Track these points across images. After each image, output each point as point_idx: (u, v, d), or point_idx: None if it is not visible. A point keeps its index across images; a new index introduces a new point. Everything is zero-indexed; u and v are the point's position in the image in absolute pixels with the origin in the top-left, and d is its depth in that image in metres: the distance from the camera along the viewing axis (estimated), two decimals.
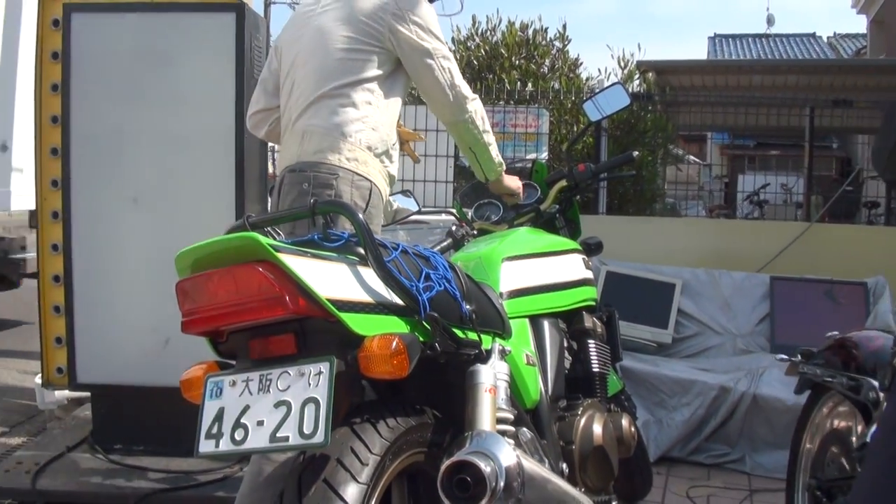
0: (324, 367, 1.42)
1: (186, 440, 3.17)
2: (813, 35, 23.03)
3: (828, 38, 23.05)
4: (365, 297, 1.54)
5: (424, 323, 1.61)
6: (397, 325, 1.58)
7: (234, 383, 1.50)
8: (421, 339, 1.58)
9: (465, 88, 2.58)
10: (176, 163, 3.29)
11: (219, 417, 1.48)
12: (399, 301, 1.60)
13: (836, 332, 2.50)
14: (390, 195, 2.85)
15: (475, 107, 2.60)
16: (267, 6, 20.61)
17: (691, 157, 10.87)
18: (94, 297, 3.35)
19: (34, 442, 3.79)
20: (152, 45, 3.26)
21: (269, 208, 3.20)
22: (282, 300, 1.41)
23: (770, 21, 24.77)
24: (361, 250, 1.59)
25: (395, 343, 1.46)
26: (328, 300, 1.44)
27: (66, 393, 3.93)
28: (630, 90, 7.61)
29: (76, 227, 3.35)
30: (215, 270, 1.47)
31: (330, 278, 1.48)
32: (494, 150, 2.71)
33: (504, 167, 2.77)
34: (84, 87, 3.32)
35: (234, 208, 3.22)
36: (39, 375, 3.89)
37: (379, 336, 1.48)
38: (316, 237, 1.61)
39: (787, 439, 3.78)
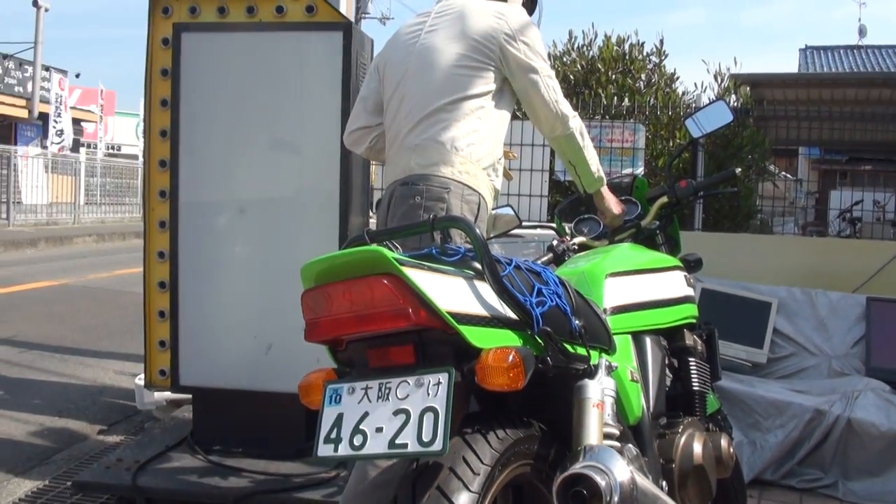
0: (442, 377, 1.47)
1: (284, 443, 3.31)
2: None
3: None
4: (481, 311, 1.58)
5: (537, 337, 1.65)
6: (512, 339, 1.61)
7: (352, 390, 1.56)
8: (534, 352, 1.61)
9: (566, 105, 2.66)
10: (281, 175, 3.39)
11: (338, 423, 1.53)
12: (513, 315, 1.63)
13: None
14: (493, 209, 2.91)
15: (576, 123, 2.67)
16: (357, 21, 21.02)
17: (783, 173, 10.64)
18: (198, 303, 3.47)
19: (134, 440, 3.93)
20: (260, 62, 3.36)
21: (373, 221, 3.28)
22: (405, 312, 1.46)
23: (862, 32, 24.14)
24: (477, 265, 1.63)
25: (511, 356, 1.50)
26: (448, 313, 1.48)
27: (165, 394, 4.07)
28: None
29: (183, 236, 3.48)
30: (342, 281, 1.53)
31: (449, 292, 1.53)
32: (595, 164, 2.76)
33: (604, 182, 2.80)
34: (193, 102, 3.45)
35: (337, 220, 3.30)
36: (140, 376, 4.05)
37: (496, 349, 1.52)
38: (434, 251, 1.65)
39: (880, 466, 3.70)
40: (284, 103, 3.36)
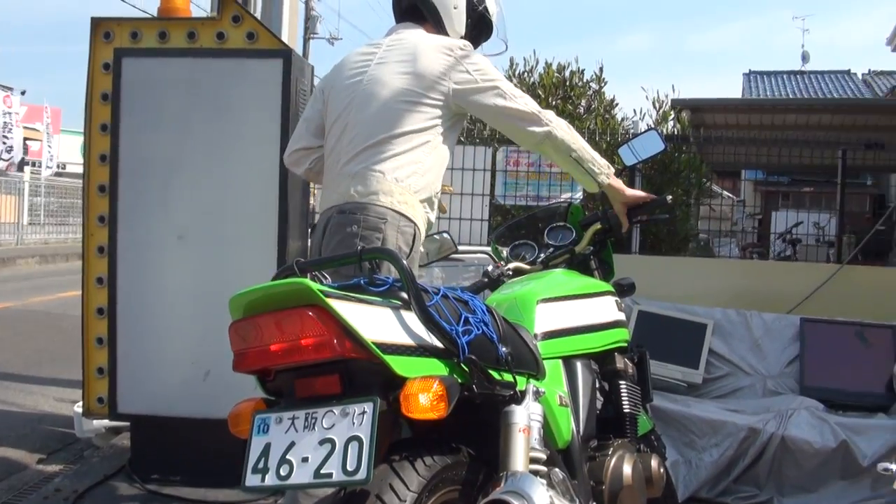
0: (367, 406, 1.50)
1: (222, 471, 3.29)
2: (848, 72, 22.99)
3: (862, 75, 22.98)
4: (407, 341, 1.61)
5: (463, 365, 1.68)
6: (437, 368, 1.65)
7: (280, 420, 1.58)
8: (459, 380, 1.65)
9: (536, 105, 2.70)
10: (220, 201, 3.41)
11: (265, 453, 1.55)
12: (439, 344, 1.67)
13: None
14: (430, 235, 2.94)
15: (551, 115, 2.70)
16: (306, 41, 20.99)
17: (725, 193, 10.85)
18: (136, 330, 3.46)
19: (72, 470, 3.87)
20: (201, 88, 3.38)
21: (309, 246, 3.30)
22: (330, 343, 1.49)
23: (805, 58, 24.75)
24: (405, 295, 1.67)
25: (435, 385, 1.54)
26: (373, 343, 1.52)
27: (105, 422, 4.01)
28: (664, 131, 7.67)
29: (121, 262, 3.47)
30: (268, 313, 1.56)
31: (374, 322, 1.57)
32: (595, 153, 2.75)
33: (612, 170, 2.80)
34: (132, 127, 3.45)
35: (276, 246, 3.32)
36: (79, 404, 3.99)
37: (420, 378, 1.56)
38: (362, 282, 1.69)
39: (815, 482, 3.79)
40: (224, 129, 3.38)
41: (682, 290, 5.02)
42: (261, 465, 1.55)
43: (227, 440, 3.16)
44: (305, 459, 1.50)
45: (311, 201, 3.94)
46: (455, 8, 2.82)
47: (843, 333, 4.42)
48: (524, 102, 2.66)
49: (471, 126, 7.47)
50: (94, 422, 4.03)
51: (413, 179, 2.59)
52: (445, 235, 3.17)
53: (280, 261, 3.30)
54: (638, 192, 2.82)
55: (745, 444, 3.91)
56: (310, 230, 3.63)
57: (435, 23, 2.81)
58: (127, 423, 3.84)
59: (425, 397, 1.53)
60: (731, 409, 4.21)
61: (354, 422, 1.50)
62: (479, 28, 2.93)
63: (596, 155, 2.74)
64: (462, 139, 6.38)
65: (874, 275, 5.44)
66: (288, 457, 1.52)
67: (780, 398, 4.24)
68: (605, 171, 2.74)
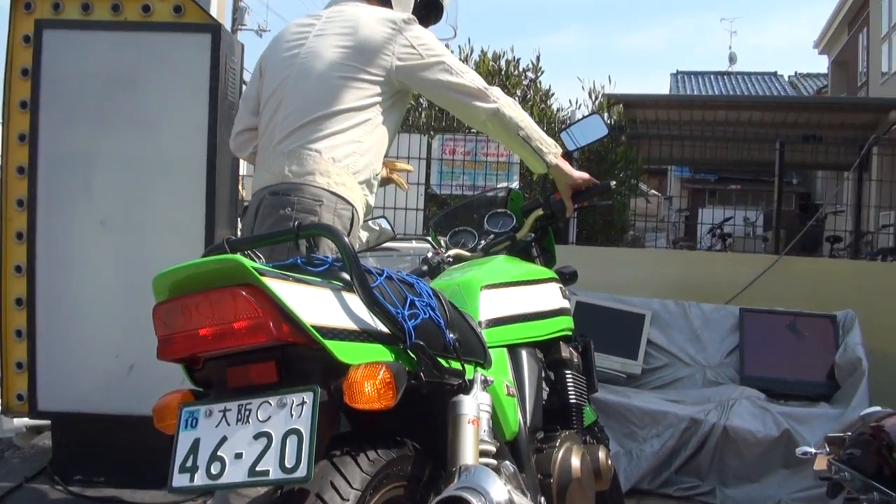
0: (307, 396, 1.37)
1: (149, 471, 3.13)
2: (774, 74, 23.53)
3: (789, 77, 23.56)
4: (350, 324, 1.49)
5: (409, 351, 1.57)
6: (382, 354, 1.53)
7: (210, 413, 1.44)
8: (406, 367, 1.53)
9: (483, 81, 2.57)
10: (145, 185, 3.24)
11: (194, 449, 1.41)
12: (384, 328, 1.55)
13: (876, 409, 2.26)
14: (367, 220, 2.82)
15: (498, 92, 2.58)
16: (234, 33, 20.58)
17: (652, 191, 10.98)
18: (57, 322, 3.27)
19: None
20: (125, 64, 3.22)
21: (239, 231, 3.14)
22: (265, 326, 1.35)
23: (732, 59, 25.25)
24: (346, 276, 1.54)
25: (382, 372, 1.41)
26: (313, 326, 1.39)
27: (25, 420, 3.81)
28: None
29: (41, 249, 3.27)
30: (195, 294, 1.41)
31: (314, 304, 1.43)
32: (541, 131, 2.65)
33: (560, 150, 2.70)
34: (54, 105, 3.27)
35: (203, 232, 3.18)
36: None
37: (365, 365, 1.43)
38: (299, 261, 1.56)
39: (757, 472, 3.80)
40: (150, 108, 3.23)
41: (620, 281, 5.03)
42: (189, 463, 1.41)
43: (155, 438, 3.03)
44: (239, 456, 1.36)
45: (241, 189, 3.78)
46: None
47: (782, 323, 4.46)
48: (470, 78, 2.54)
49: (406, 114, 7.36)
50: (14, 420, 3.83)
51: (352, 160, 2.45)
52: (383, 221, 3.06)
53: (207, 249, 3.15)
54: (584, 174, 2.74)
55: (687, 434, 3.90)
56: (240, 214, 3.48)
57: (382, 1, 2.68)
58: (48, 422, 3.63)
59: (371, 385, 1.40)
60: (672, 399, 4.20)
61: (293, 413, 1.36)
62: (427, 10, 2.81)
63: (543, 134, 2.64)
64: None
65: (811, 265, 5.53)
66: (219, 453, 1.38)
67: (721, 388, 4.25)
68: (552, 150, 2.64)
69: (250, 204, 2.55)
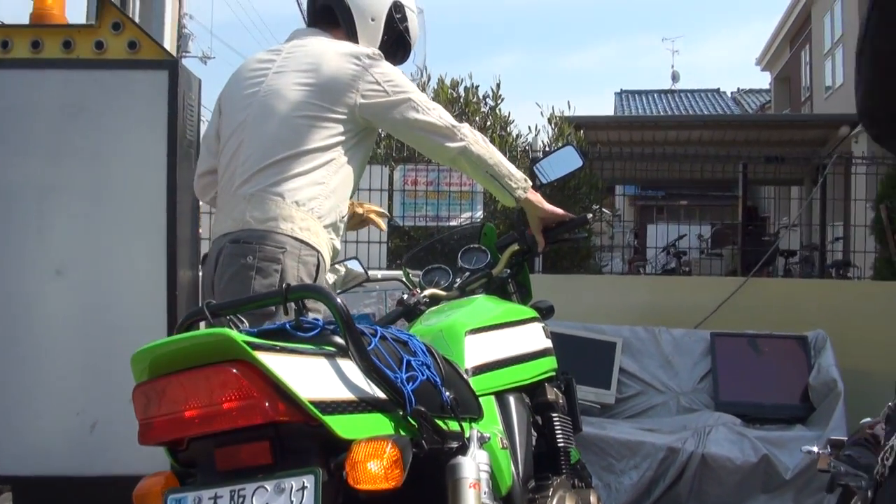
0: (308, 480, 1.25)
1: None
2: (717, 91, 23.96)
3: (732, 93, 24.03)
4: (348, 395, 1.38)
5: (410, 418, 1.46)
6: (383, 424, 1.42)
7: (199, 501, 1.32)
8: (409, 437, 1.43)
9: (451, 118, 2.52)
10: (102, 230, 3.08)
11: None
12: (381, 395, 1.44)
13: (868, 419, 2.34)
14: (343, 259, 2.73)
15: (467, 130, 2.51)
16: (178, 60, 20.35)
17: (606, 211, 11.08)
18: (12, 378, 3.07)
19: None
20: (78, 103, 3.07)
21: (200, 279, 3.00)
22: (260, 406, 1.24)
23: (675, 77, 25.72)
24: (339, 339, 1.44)
25: (388, 448, 1.31)
26: (311, 402, 1.28)
27: None
28: (554, 148, 7.67)
29: None
30: (181, 373, 1.28)
31: (310, 377, 1.33)
32: (511, 166, 2.59)
33: (529, 183, 2.64)
34: (3, 146, 3.10)
35: (165, 278, 3.02)
36: None
37: (367, 440, 1.32)
38: (288, 325, 1.44)
39: (736, 499, 3.77)
40: (105, 149, 3.07)
41: (588, 309, 4.99)
42: None
43: (121, 499, 2.88)
44: None
45: (199, 228, 3.64)
46: (372, 20, 2.61)
47: (754, 346, 4.45)
48: (437, 115, 2.47)
49: None
50: None
51: (316, 203, 2.35)
52: (353, 263, 2.96)
53: (170, 295, 3.00)
54: (556, 210, 2.69)
55: (665, 464, 3.87)
56: (201, 261, 3.34)
57: (347, 30, 2.59)
58: (6, 487, 3.43)
59: (377, 465, 1.29)
60: (648, 428, 4.17)
61: (293, 500, 1.24)
62: (395, 47, 2.72)
63: (513, 169, 2.58)
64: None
65: (778, 286, 5.57)
66: None
67: (697, 415, 4.22)
68: (521, 185, 2.58)
69: (210, 251, 2.43)
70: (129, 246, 3.08)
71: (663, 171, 8.83)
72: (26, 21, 3.20)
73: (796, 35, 17.46)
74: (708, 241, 11.19)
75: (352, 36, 2.58)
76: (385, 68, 2.45)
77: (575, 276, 6.21)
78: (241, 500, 1.28)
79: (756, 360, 4.41)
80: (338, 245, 2.50)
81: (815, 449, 2.48)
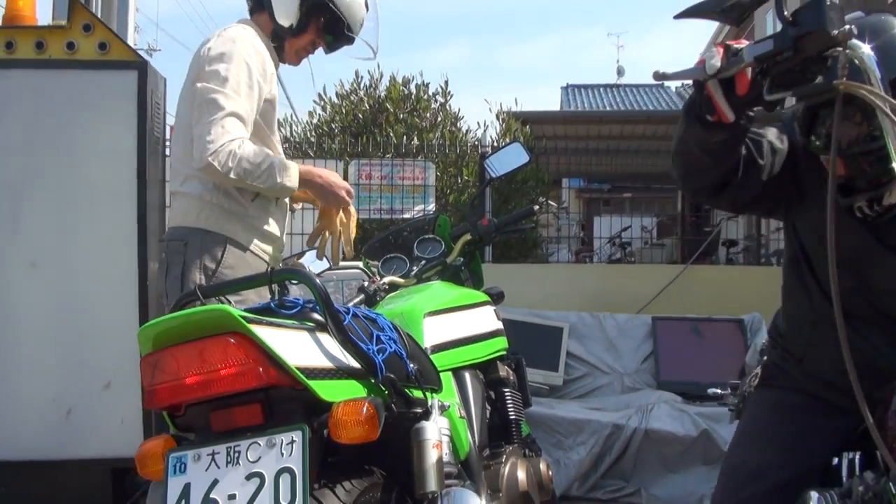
0: (296, 435, 1.44)
1: None
2: (661, 85, 24.29)
3: (676, 88, 24.36)
4: (327, 363, 1.57)
5: (381, 385, 1.66)
6: (358, 390, 1.62)
7: (198, 457, 1.49)
8: (381, 399, 1.62)
9: (218, 130, 2.33)
10: (74, 224, 3.20)
11: (185, 494, 1.46)
12: (356, 364, 1.64)
13: None
14: (300, 252, 2.84)
15: (223, 157, 2.32)
16: None
17: (552, 203, 11.30)
18: None
19: None
20: (50, 103, 3.17)
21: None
22: (254, 371, 1.43)
23: (620, 72, 25.96)
24: (318, 316, 1.63)
25: (365, 408, 1.50)
26: (297, 368, 1.47)
27: None
28: (501, 143, 7.88)
29: None
30: (185, 343, 1.47)
31: (295, 347, 1.51)
32: (271, 179, 2.40)
33: (293, 179, 2.46)
34: None
35: (136, 269, 3.16)
36: None
37: (346, 402, 1.51)
38: (272, 305, 1.63)
39: (677, 468, 4.00)
40: (77, 147, 3.19)
41: (536, 296, 5.17)
42: None
43: (96, 481, 3.01)
44: (233, 497, 1.42)
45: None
46: None
47: (694, 329, 4.68)
48: (203, 117, 2.34)
49: (319, 140, 7.40)
50: None
51: (214, 192, 2.45)
52: (310, 254, 3.10)
53: (142, 285, 3.14)
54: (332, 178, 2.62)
55: (610, 440, 4.07)
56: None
57: (269, 11, 2.57)
58: None
59: (356, 421, 1.49)
60: (594, 407, 4.37)
61: (283, 452, 1.43)
62: (333, 26, 2.64)
63: (267, 179, 2.40)
64: (311, 153, 6.33)
65: (716, 273, 5.82)
66: (212, 496, 1.43)
67: (639, 394, 4.45)
68: (287, 184, 2.45)
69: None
70: (101, 238, 3.20)
71: (607, 166, 9.06)
72: None
73: (739, 32, 17.83)
74: (651, 232, 11.47)
75: (271, 16, 2.57)
76: (215, 65, 2.39)
77: (524, 266, 6.43)
78: (236, 455, 1.46)
79: (695, 342, 4.65)
80: (271, 228, 2.55)
81: (719, 390, 2.86)
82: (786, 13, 1.40)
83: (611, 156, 8.49)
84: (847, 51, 1.36)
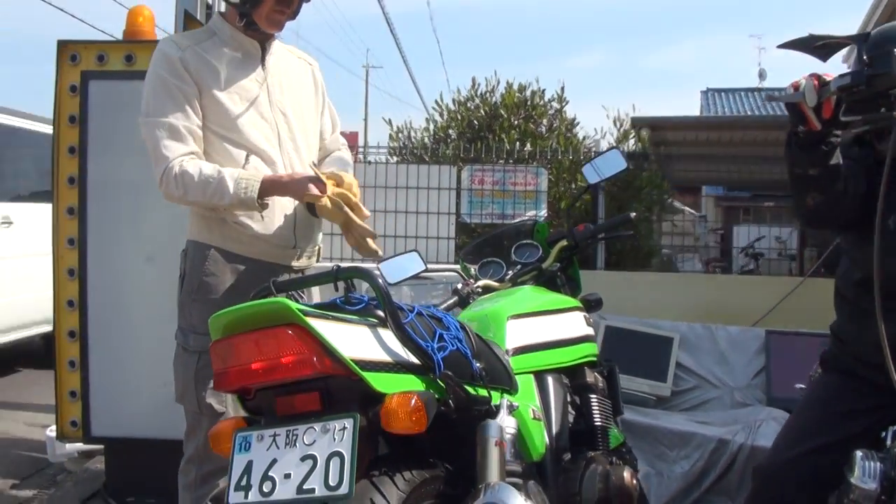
0: (347, 423, 1.53)
1: None
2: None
3: None
4: (385, 357, 1.65)
5: (439, 381, 1.72)
6: (414, 384, 1.69)
7: (261, 438, 1.60)
8: (436, 395, 1.68)
9: (161, 155, 2.45)
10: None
11: (247, 470, 1.58)
12: (415, 360, 1.71)
13: None
14: (389, 256, 2.86)
15: (174, 175, 2.42)
16: None
17: (687, 209, 11.02)
18: (108, 353, 3.44)
19: (47, 495, 3.86)
20: None
21: None
22: (310, 361, 1.52)
23: (762, 75, 25.16)
24: (380, 312, 1.71)
25: (413, 400, 1.57)
26: (351, 360, 1.55)
27: (78, 445, 3.98)
28: (625, 149, 7.81)
29: (91, 284, 3.46)
30: (248, 332, 1.58)
31: (353, 340, 1.60)
32: (227, 197, 2.36)
33: (253, 189, 2.36)
34: (100, 149, 3.46)
35: None
36: (51, 428, 3.96)
37: (398, 394, 1.59)
38: (338, 301, 1.72)
39: None
40: None
41: (648, 305, 5.09)
42: (244, 482, 1.57)
43: None
44: (288, 476, 1.53)
45: None
46: None
47: (808, 345, 4.50)
48: (154, 165, 2.47)
49: (435, 146, 7.54)
50: (67, 445, 4.00)
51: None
52: (413, 255, 3.18)
53: None
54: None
55: (715, 455, 3.96)
56: None
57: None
58: (100, 447, 3.81)
59: (404, 412, 1.57)
60: (700, 420, 4.27)
61: (335, 437, 1.52)
62: None
63: (222, 197, 2.37)
64: (426, 158, 6.47)
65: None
66: (270, 473, 1.55)
67: (748, 409, 4.31)
68: (241, 198, 2.36)
69: None
70: None
71: (740, 173, 8.75)
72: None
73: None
74: (785, 242, 11.05)
75: (227, 2, 2.55)
76: (151, 71, 2.50)
77: (636, 273, 6.33)
78: (294, 437, 1.57)
79: (810, 359, 4.46)
80: (258, 228, 2.47)
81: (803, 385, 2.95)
82: (864, 57, 1.92)
83: (750, 163, 8.19)
84: None
